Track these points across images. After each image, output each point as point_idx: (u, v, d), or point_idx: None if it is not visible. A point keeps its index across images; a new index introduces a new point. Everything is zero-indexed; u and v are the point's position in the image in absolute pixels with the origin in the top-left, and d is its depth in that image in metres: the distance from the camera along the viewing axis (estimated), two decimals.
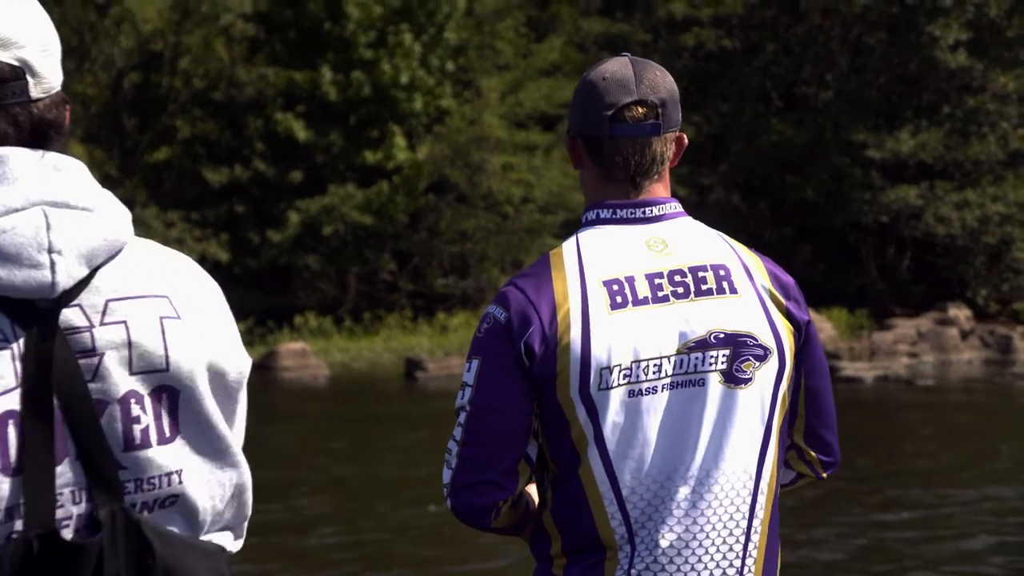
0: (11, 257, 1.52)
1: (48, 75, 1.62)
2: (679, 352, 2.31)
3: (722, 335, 2.33)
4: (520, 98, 28.61)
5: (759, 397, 2.34)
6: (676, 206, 2.45)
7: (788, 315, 2.40)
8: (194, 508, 1.67)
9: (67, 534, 1.55)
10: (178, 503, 1.65)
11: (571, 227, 31.65)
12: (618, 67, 2.43)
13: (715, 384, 2.32)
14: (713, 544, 2.36)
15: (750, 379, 2.33)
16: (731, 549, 2.36)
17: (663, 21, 28.28)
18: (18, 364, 1.52)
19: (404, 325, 27.45)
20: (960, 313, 26.15)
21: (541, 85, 28.88)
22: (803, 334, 2.41)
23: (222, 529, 1.74)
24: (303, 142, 27.10)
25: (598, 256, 2.34)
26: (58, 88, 1.63)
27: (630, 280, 2.33)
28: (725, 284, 2.36)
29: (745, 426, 2.34)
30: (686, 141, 2.48)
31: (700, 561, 2.35)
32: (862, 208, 28.59)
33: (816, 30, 29.23)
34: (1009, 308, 28.24)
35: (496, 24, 27.79)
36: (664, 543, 2.34)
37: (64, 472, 1.55)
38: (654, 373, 2.29)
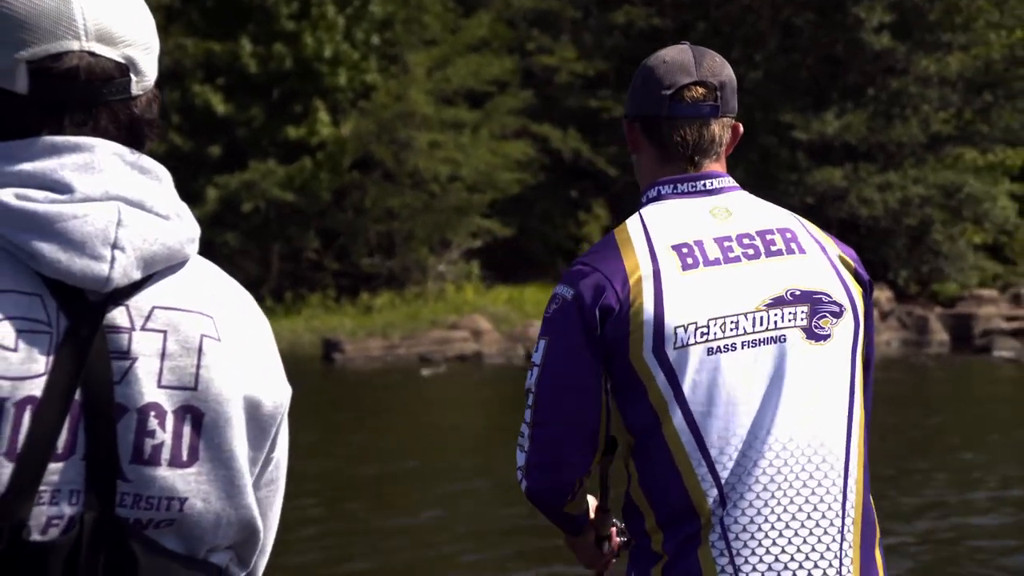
0: (76, 244, 1.13)
1: (149, 73, 1.22)
2: (757, 309, 1.75)
3: (798, 292, 1.77)
4: (448, 74, 21.80)
5: (840, 353, 1.78)
6: (732, 181, 1.87)
7: (856, 275, 1.84)
8: (192, 535, 1.18)
9: (54, 533, 1.12)
10: (175, 526, 1.17)
11: (499, 206, 21.60)
12: (677, 52, 1.88)
13: (796, 340, 1.76)
14: (809, 502, 1.72)
15: (829, 335, 1.77)
16: (829, 508, 1.73)
17: None
18: (53, 352, 1.12)
19: (327, 305, 20.86)
20: (881, 295, 20.90)
21: (469, 61, 22.03)
22: (870, 294, 1.87)
23: (223, 551, 1.23)
24: (222, 116, 20.55)
25: (664, 225, 1.80)
26: (153, 85, 1.23)
27: (699, 244, 1.78)
28: (793, 245, 1.81)
29: (831, 382, 1.76)
30: (741, 130, 1.90)
31: (796, 519, 1.72)
32: (788, 189, 22.19)
33: (746, 10, 22.98)
34: (928, 289, 22.60)
35: None
36: (759, 503, 1.71)
37: (67, 470, 1.13)
38: (731, 330, 1.74)
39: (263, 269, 20.77)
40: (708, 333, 1.73)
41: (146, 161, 1.20)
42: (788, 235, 1.81)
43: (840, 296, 1.80)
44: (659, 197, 1.84)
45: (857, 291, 1.83)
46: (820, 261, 1.81)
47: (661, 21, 22.75)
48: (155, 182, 1.19)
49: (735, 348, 1.74)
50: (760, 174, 22.66)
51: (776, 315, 1.76)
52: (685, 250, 1.77)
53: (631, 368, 1.73)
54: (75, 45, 1.16)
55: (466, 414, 13.38)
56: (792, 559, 1.72)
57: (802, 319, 1.76)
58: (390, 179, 20.94)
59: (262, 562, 1.29)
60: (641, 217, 1.82)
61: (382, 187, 20.86)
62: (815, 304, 1.78)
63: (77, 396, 1.13)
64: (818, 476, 1.73)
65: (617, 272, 1.75)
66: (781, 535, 1.71)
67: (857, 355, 1.79)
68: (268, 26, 20.18)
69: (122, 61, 1.19)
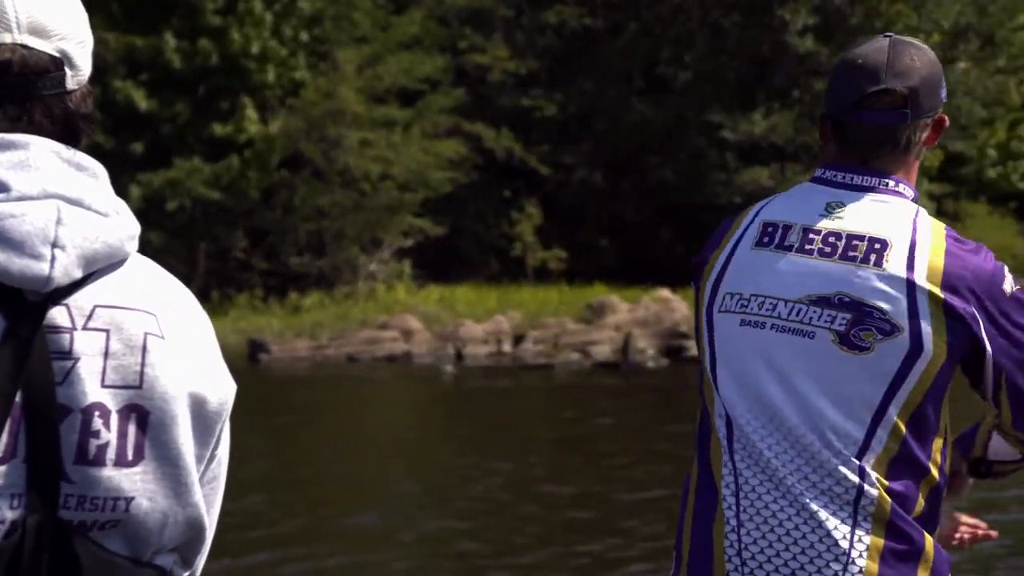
0: (14, 243, 1.06)
1: (83, 67, 1.15)
2: (799, 301, 1.68)
3: (848, 299, 1.67)
4: (379, 72, 19.98)
5: (877, 368, 1.65)
6: (892, 185, 1.71)
7: (946, 306, 1.65)
8: (138, 536, 1.11)
9: None
10: (120, 527, 1.10)
11: (431, 205, 19.56)
12: (874, 52, 1.72)
13: (826, 342, 1.67)
14: (814, 503, 1.63)
15: (868, 348, 1.66)
16: (835, 515, 1.63)
17: None
18: None
19: (254, 305, 19.11)
20: None
21: (401, 59, 20.23)
22: (969, 327, 1.65)
23: (168, 553, 1.15)
24: (145, 112, 18.64)
25: (782, 203, 1.77)
26: (87, 80, 1.17)
27: (787, 227, 1.73)
28: (873, 256, 1.67)
29: (856, 394, 1.65)
30: (947, 123, 1.75)
31: (796, 507, 1.64)
32: (718, 189, 21.18)
33: (676, 11, 21.58)
34: None
35: None
36: (761, 487, 1.65)
37: (8, 473, 1.06)
38: (767, 310, 1.69)
39: (189, 268, 19.07)
40: (747, 307, 1.71)
41: (82, 158, 1.12)
42: (877, 245, 1.68)
43: (899, 319, 1.65)
44: (815, 178, 1.78)
45: (935, 322, 1.64)
46: (894, 281, 1.66)
47: (593, 21, 21.21)
48: (92, 179, 1.12)
49: (763, 327, 1.70)
50: (690, 174, 21.30)
51: (815, 312, 1.68)
52: (771, 228, 1.73)
53: (698, 319, 1.78)
54: (7, 38, 1.09)
55: (395, 415, 12.47)
56: (794, 545, 1.62)
57: (840, 324, 1.67)
58: (320, 177, 19.52)
59: (202, 561, 1.19)
60: (784, 193, 1.80)
61: (312, 185, 19.41)
62: (862, 315, 1.67)
63: (17, 398, 1.05)
64: (830, 482, 1.63)
65: (719, 238, 1.78)
66: (780, 524, 1.63)
67: (910, 378, 1.64)
68: (193, 21, 18.62)
69: (56, 55, 1.12)
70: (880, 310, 1.65)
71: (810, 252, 1.69)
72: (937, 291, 1.65)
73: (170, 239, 18.45)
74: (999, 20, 22.10)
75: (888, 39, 1.73)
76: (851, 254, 1.67)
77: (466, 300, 19.60)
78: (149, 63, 18.40)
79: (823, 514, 1.61)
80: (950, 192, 23.30)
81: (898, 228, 1.68)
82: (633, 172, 21.80)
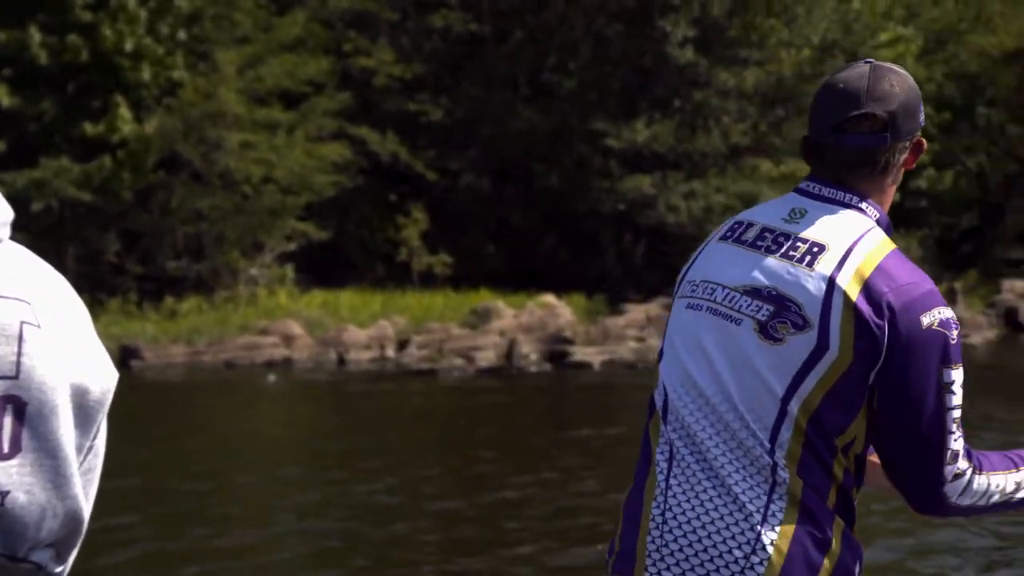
0: None
1: None
2: (734, 289, 1.73)
3: (774, 292, 1.70)
4: (260, 73, 18.62)
5: (785, 360, 1.67)
6: (858, 203, 1.71)
7: (856, 311, 1.65)
8: (13, 531, 1.04)
9: None
10: None
11: (315, 209, 18.17)
12: (855, 76, 1.72)
13: (749, 329, 1.70)
14: (732, 476, 1.65)
15: (780, 339, 1.68)
16: (751, 490, 1.64)
17: (411, 1, 15.71)
18: None
19: (127, 311, 17.53)
20: None
21: (284, 61, 18.93)
22: (876, 338, 1.64)
23: (44, 548, 1.10)
24: (8, 109, 16.90)
25: (761, 205, 1.84)
26: None
27: (750, 225, 1.76)
28: (808, 257, 1.70)
29: (766, 380, 1.68)
30: (925, 145, 1.76)
31: (726, 474, 1.66)
32: (601, 196, 20.42)
33: (561, 19, 20.72)
34: None
35: None
36: (691, 451, 1.69)
37: None
38: (707, 295, 1.74)
39: (59, 272, 16.97)
40: (695, 292, 1.76)
41: None
42: (815, 249, 1.71)
43: (812, 314, 1.67)
44: (796, 188, 1.80)
45: (844, 325, 1.65)
46: (817, 282, 1.69)
47: (479, 26, 20.23)
48: None
49: (701, 309, 1.74)
50: (575, 181, 20.55)
51: (745, 301, 1.71)
52: (736, 225, 1.78)
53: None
54: None
55: (274, 423, 11.68)
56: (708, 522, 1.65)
57: (763, 315, 1.70)
58: (199, 180, 18.32)
59: (74, 556, 1.12)
60: (777, 198, 1.84)
61: (190, 188, 18.17)
62: (782, 308, 1.70)
63: None
64: (749, 470, 1.65)
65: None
66: (711, 488, 1.65)
67: (813, 375, 1.65)
68: (61, 16, 17.29)
69: None
70: (797, 304, 1.68)
71: (759, 248, 1.73)
72: (853, 295, 1.66)
73: (35, 241, 16.75)
74: (862, 38, 22.09)
75: (869, 64, 1.74)
76: (791, 253, 1.71)
77: (350, 305, 18.51)
78: (13, 58, 16.92)
79: (739, 488, 1.64)
80: None
81: (843, 237, 1.71)
82: (519, 178, 21.01)
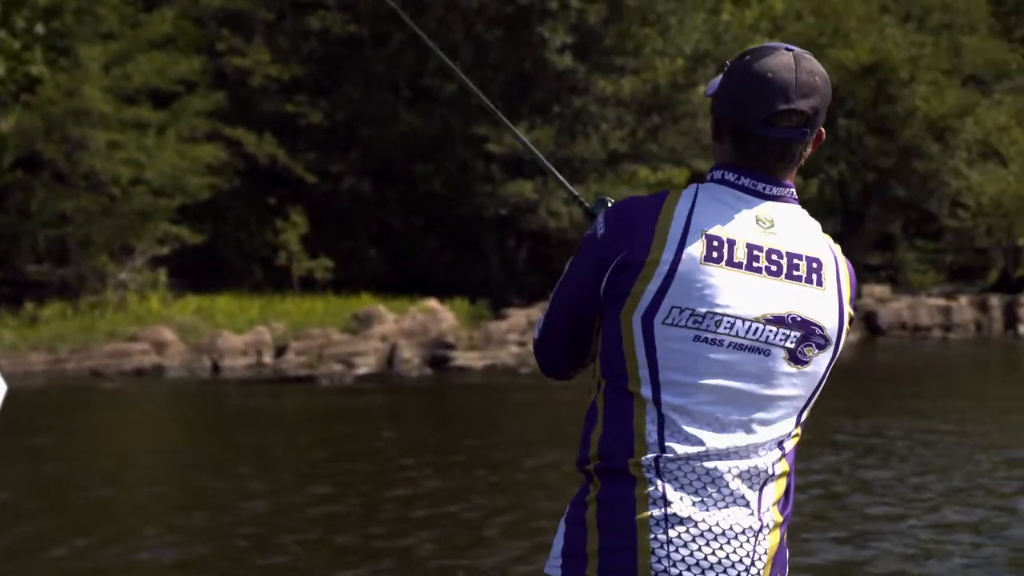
0: None
1: None
2: (756, 320, 1.63)
3: (799, 318, 1.66)
4: (128, 71, 16.81)
5: (810, 379, 1.70)
6: (793, 194, 1.72)
7: (850, 316, 1.74)
8: None
9: None
10: None
11: (189, 211, 16.40)
12: (781, 66, 1.64)
13: (779, 358, 1.66)
14: (739, 479, 1.64)
15: (807, 362, 1.68)
16: (751, 484, 1.65)
17: (287, 1, 14.31)
18: None
19: None
20: None
21: (153, 58, 17.21)
22: (850, 327, 1.76)
23: None
24: None
25: (710, 211, 1.66)
26: None
27: (731, 243, 1.64)
28: (814, 276, 1.68)
29: (791, 402, 1.68)
30: (824, 136, 1.72)
31: (726, 487, 1.62)
32: (484, 200, 19.23)
33: (440, 23, 19.40)
34: None
35: None
36: (689, 464, 1.61)
37: None
38: (725, 328, 1.62)
39: None
40: (701, 324, 1.62)
41: None
42: (815, 265, 1.69)
43: (832, 332, 1.70)
44: (721, 180, 1.68)
45: (846, 329, 1.74)
46: (831, 300, 1.69)
47: (358, 28, 18.88)
48: None
49: (721, 344, 1.63)
50: (457, 185, 19.52)
51: (771, 331, 1.64)
52: (715, 243, 1.63)
53: (618, 323, 1.65)
54: None
55: (142, 433, 10.63)
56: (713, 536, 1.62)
57: (792, 342, 1.66)
58: (62, 180, 16.37)
59: None
60: (696, 192, 1.68)
61: (52, 189, 16.52)
62: (808, 333, 1.67)
63: None
64: (751, 478, 1.64)
65: (647, 235, 1.62)
66: (712, 501, 1.62)
67: (824, 381, 1.72)
68: None
69: None
70: (820, 327, 1.67)
71: (758, 271, 1.64)
72: (849, 305, 1.72)
73: None
74: (731, 49, 21.72)
75: (791, 53, 1.66)
76: (795, 274, 1.66)
77: (226, 310, 17.00)
78: None
79: (739, 493, 1.62)
80: None
81: (821, 246, 1.70)
82: (401, 181, 19.85)
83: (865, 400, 12.00)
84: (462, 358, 15.74)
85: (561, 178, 2.10)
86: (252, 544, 6.07)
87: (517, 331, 17.29)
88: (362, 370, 15.50)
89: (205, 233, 17.75)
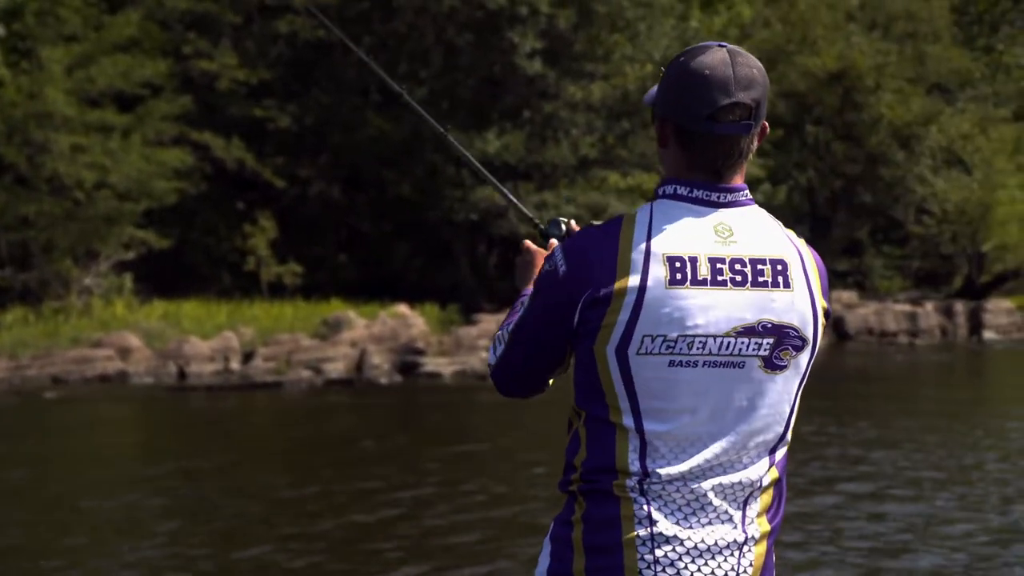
0: None
1: None
2: (727, 335, 1.61)
3: (770, 325, 1.63)
4: (91, 73, 16.46)
5: (790, 383, 1.67)
6: (747, 195, 1.69)
7: (824, 310, 1.71)
8: None
9: None
10: None
11: (156, 216, 16.10)
12: (717, 62, 1.62)
13: (754, 368, 1.64)
14: (722, 490, 1.63)
15: (785, 366, 1.65)
16: (735, 499, 1.64)
17: (254, 4, 14.02)
18: None
19: None
20: None
21: (117, 61, 16.83)
22: (827, 322, 1.74)
23: None
24: None
25: (667, 230, 1.63)
26: None
27: (693, 260, 1.62)
28: (780, 279, 1.65)
29: (775, 408, 1.66)
30: (768, 129, 1.68)
31: (707, 500, 1.62)
32: (454, 206, 19.08)
33: (411, 27, 19.31)
34: None
35: None
36: (674, 486, 1.61)
37: None
38: (698, 349, 1.60)
39: None
40: (674, 348, 1.59)
41: None
42: (779, 267, 1.65)
43: (807, 332, 1.66)
44: (674, 196, 1.65)
45: (822, 325, 1.69)
46: (801, 299, 1.66)
47: (327, 33, 18.53)
48: None
49: (696, 365, 1.61)
50: (427, 190, 19.36)
51: (743, 343, 1.61)
52: (678, 264, 1.60)
53: (591, 356, 1.62)
54: None
55: (104, 441, 10.18)
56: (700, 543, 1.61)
57: (765, 350, 1.63)
58: (24, 184, 15.78)
59: None
60: (651, 215, 1.64)
61: (14, 192, 16.15)
62: (782, 338, 1.63)
63: None
64: (738, 488, 1.63)
65: (610, 266, 1.60)
66: (693, 513, 1.61)
67: (804, 380, 1.70)
68: None
69: None
70: (794, 329, 1.65)
71: (723, 284, 1.61)
72: (822, 299, 1.69)
73: None
74: None
75: (724, 48, 1.64)
76: (761, 280, 1.63)
77: (194, 316, 16.68)
78: None
79: (725, 505, 1.62)
80: None
81: (784, 245, 1.68)
82: (370, 186, 19.63)
83: (838, 400, 11.97)
84: (432, 363, 15.52)
85: (512, 197, 2.09)
86: (222, 552, 5.87)
87: (487, 336, 17.28)
88: (331, 376, 15.27)
89: (172, 238, 17.43)
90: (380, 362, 16.41)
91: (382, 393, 14.27)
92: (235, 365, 15.94)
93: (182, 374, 15.36)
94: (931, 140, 25.32)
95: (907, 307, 23.22)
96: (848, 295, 23.75)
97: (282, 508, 6.93)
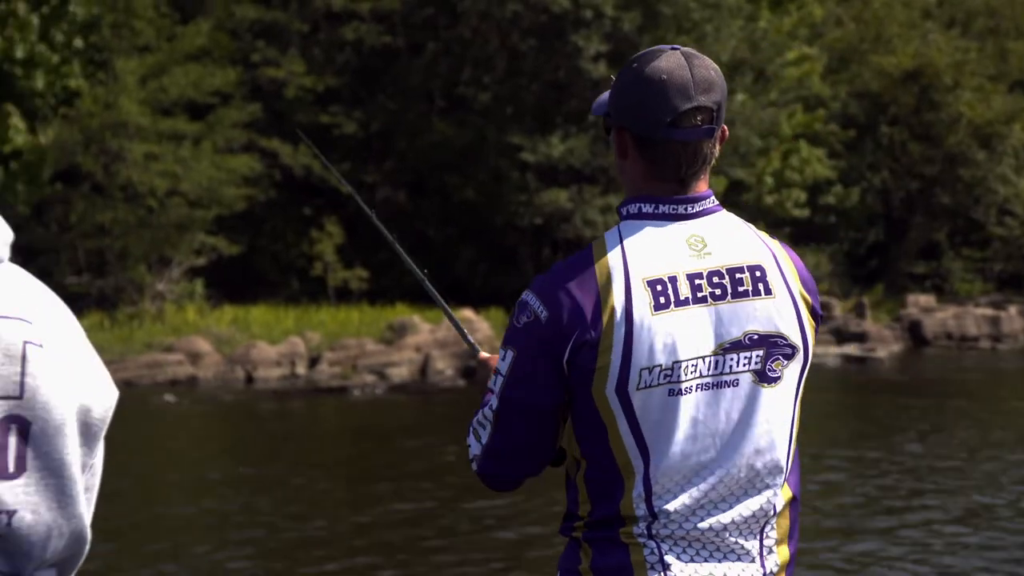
0: None
1: None
2: (715, 353, 1.54)
3: (756, 336, 1.56)
4: (164, 83, 16.56)
5: (786, 394, 1.59)
6: (714, 201, 1.61)
7: (812, 311, 1.63)
8: (19, 551, 0.99)
9: None
10: (1, 543, 0.98)
11: (226, 222, 16.12)
12: (674, 65, 1.54)
13: (748, 384, 1.56)
14: (733, 523, 1.55)
15: (779, 377, 1.58)
16: (750, 529, 1.56)
17: (321, 12, 13.92)
18: None
19: None
20: None
21: (189, 71, 16.92)
22: (819, 327, 1.66)
23: (48, 567, 1.04)
24: None
25: (642, 255, 1.54)
26: None
27: (672, 280, 1.54)
28: (760, 285, 1.57)
29: (775, 422, 1.58)
30: (727, 133, 1.61)
31: (719, 537, 1.54)
32: (519, 210, 18.74)
33: (475, 33, 19.04)
34: None
35: (131, 1, 16.49)
36: (685, 522, 1.53)
37: None
38: (691, 373, 1.53)
39: None
40: (672, 375, 1.52)
41: None
42: (758, 273, 1.58)
43: (795, 338, 1.59)
44: (639, 215, 1.57)
45: (811, 328, 1.62)
46: (784, 303, 1.58)
47: (393, 39, 18.49)
48: None
49: (692, 390, 1.54)
50: (492, 195, 19.08)
51: (732, 359, 1.54)
52: (659, 287, 1.53)
53: (592, 402, 1.52)
54: None
55: (172, 445, 10.36)
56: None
57: (756, 363, 1.56)
58: (100, 192, 16.04)
59: (73, 574, 1.05)
60: (620, 238, 1.55)
61: (91, 201, 16.24)
62: (771, 348, 1.56)
63: None
64: (752, 507, 1.55)
65: (592, 303, 1.49)
66: (704, 547, 1.52)
67: (800, 389, 1.63)
68: None
69: None
70: (782, 336, 1.57)
71: (704, 300, 1.53)
72: (806, 295, 1.61)
73: None
74: (769, 56, 21.12)
75: (677, 51, 1.56)
76: (741, 289, 1.56)
77: (262, 321, 16.75)
78: None
79: (746, 542, 1.54)
80: None
81: (758, 248, 1.60)
82: (436, 192, 19.46)
83: (918, 411, 11.34)
84: None
85: (408, 258, 2.04)
86: (287, 561, 5.79)
87: None
88: (395, 381, 15.15)
89: (241, 244, 17.57)
90: (444, 367, 16.24)
91: (445, 398, 14.09)
92: (301, 370, 15.94)
93: (249, 379, 15.42)
94: (1013, 139, 24.20)
95: (988, 311, 22.20)
96: (925, 298, 22.78)
97: (347, 517, 6.80)
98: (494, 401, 1.53)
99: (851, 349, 18.70)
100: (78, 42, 15.93)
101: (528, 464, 1.56)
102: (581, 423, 1.52)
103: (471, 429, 1.59)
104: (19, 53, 15.17)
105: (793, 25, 22.68)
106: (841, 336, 19.85)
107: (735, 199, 22.56)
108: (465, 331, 2.01)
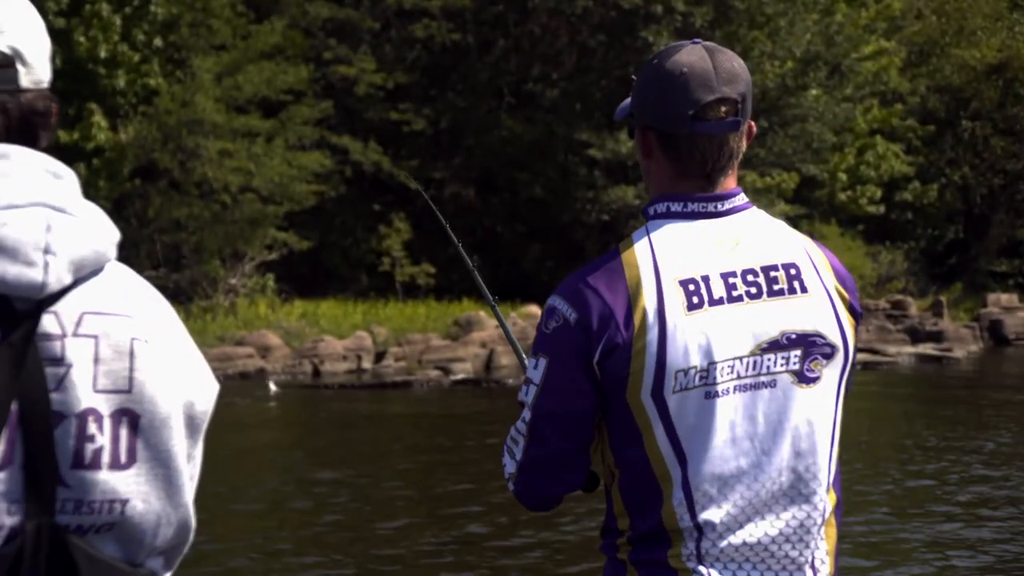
0: (7, 251, 0.99)
1: (38, 68, 1.07)
2: (752, 353, 1.46)
3: (793, 335, 1.49)
4: (239, 81, 16.72)
5: (827, 394, 1.52)
6: (743, 198, 1.53)
7: (851, 309, 1.55)
8: (132, 539, 1.04)
9: None
10: (115, 530, 1.03)
11: (297, 218, 16.20)
12: (695, 59, 1.47)
13: (786, 384, 1.49)
14: (782, 535, 1.48)
15: (818, 377, 1.51)
16: (800, 539, 1.49)
17: (392, 10, 13.83)
18: None
19: None
20: None
21: (262, 68, 17.02)
22: (859, 325, 1.59)
23: (157, 555, 1.09)
24: None
25: (672, 254, 1.48)
26: (47, 85, 1.08)
27: (705, 279, 1.47)
28: (796, 284, 1.50)
29: (815, 424, 1.50)
30: (755, 129, 1.54)
31: (768, 551, 1.48)
32: (586, 207, 18.57)
33: (544, 29, 19.01)
34: None
35: (209, 0, 16.71)
36: (732, 536, 1.47)
37: (6, 480, 0.99)
38: (728, 374, 1.45)
39: None
40: (708, 377, 1.45)
41: (57, 166, 1.05)
42: (792, 271, 1.51)
43: (834, 336, 1.51)
44: (668, 214, 1.50)
45: (850, 326, 1.54)
46: (820, 301, 1.52)
47: (462, 36, 18.39)
48: (69, 186, 1.05)
49: (729, 392, 1.46)
50: (559, 192, 18.87)
51: (770, 360, 1.48)
52: (692, 287, 1.46)
53: (627, 408, 1.45)
54: None
55: (237, 438, 10.01)
56: None
57: (794, 363, 1.49)
58: (177, 188, 16.32)
59: (178, 562, 1.11)
60: (649, 239, 1.49)
61: (168, 196, 16.57)
62: (809, 347, 1.50)
63: (13, 406, 0.98)
64: (796, 512, 1.49)
65: (623, 305, 1.43)
66: (747, 560, 1.48)
67: (842, 390, 1.55)
68: None
69: (7, 52, 1.03)
70: (820, 335, 1.50)
71: (739, 299, 1.47)
72: (844, 292, 1.55)
73: None
74: (845, 50, 20.47)
75: (698, 44, 1.50)
76: (776, 288, 1.49)
77: (331, 316, 16.86)
78: None
79: (797, 556, 1.48)
80: (804, 214, 21.48)
81: (791, 245, 1.54)
82: (503, 188, 19.30)
83: (995, 409, 10.81)
84: None
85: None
86: (354, 555, 5.66)
87: None
88: (459, 376, 15.11)
89: (312, 240, 17.73)
90: (508, 363, 16.15)
91: (509, 395, 13.99)
92: (367, 364, 16.01)
93: (316, 372, 15.55)
94: None
95: None
96: (1007, 297, 21.84)
97: (416, 512, 6.70)
98: (527, 413, 1.47)
99: (926, 348, 18.02)
100: (158, 41, 16.20)
101: (567, 476, 1.48)
102: (616, 431, 1.46)
103: (505, 448, 1.53)
104: (102, 53, 15.56)
105: (871, 18, 21.91)
106: (916, 335, 19.15)
107: (807, 195, 21.97)
108: (507, 324, 1.92)
